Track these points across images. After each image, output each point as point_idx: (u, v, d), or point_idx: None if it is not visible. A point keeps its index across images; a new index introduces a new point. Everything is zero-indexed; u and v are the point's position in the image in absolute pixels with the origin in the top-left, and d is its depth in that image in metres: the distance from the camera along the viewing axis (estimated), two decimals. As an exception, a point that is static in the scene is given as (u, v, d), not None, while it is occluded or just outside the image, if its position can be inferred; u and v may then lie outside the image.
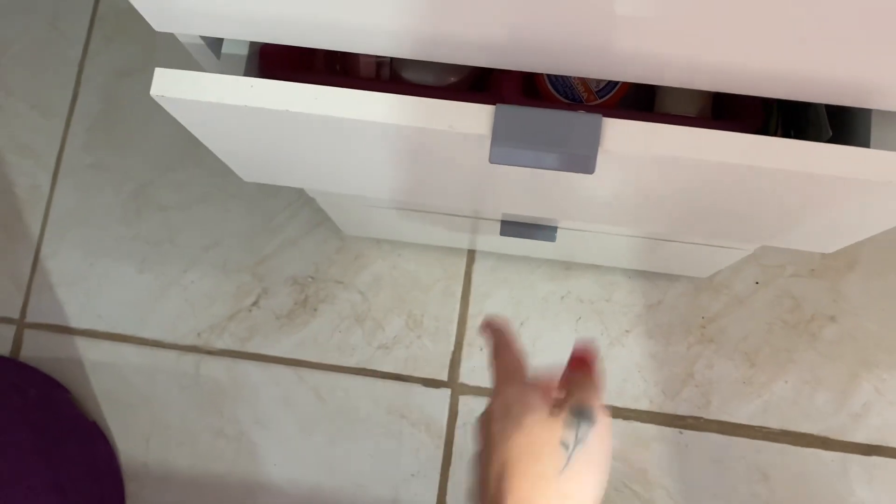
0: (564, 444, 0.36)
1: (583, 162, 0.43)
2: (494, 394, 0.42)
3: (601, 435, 0.37)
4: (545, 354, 0.99)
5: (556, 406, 0.39)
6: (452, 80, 0.56)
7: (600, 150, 0.42)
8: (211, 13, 0.42)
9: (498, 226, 0.81)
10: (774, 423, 0.95)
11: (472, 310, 1.02)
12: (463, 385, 0.99)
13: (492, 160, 0.43)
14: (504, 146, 0.43)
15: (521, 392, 0.40)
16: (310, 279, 1.04)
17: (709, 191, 0.46)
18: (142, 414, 1.03)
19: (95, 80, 1.12)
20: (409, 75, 0.57)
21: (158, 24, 0.45)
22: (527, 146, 0.43)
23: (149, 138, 1.10)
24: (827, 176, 0.40)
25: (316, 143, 0.49)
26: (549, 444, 0.36)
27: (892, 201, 0.44)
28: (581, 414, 0.37)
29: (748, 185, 0.44)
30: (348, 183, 0.59)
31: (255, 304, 1.04)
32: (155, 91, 0.44)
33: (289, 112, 0.44)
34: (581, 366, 0.43)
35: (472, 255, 1.03)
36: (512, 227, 0.79)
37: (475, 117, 0.43)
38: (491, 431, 0.39)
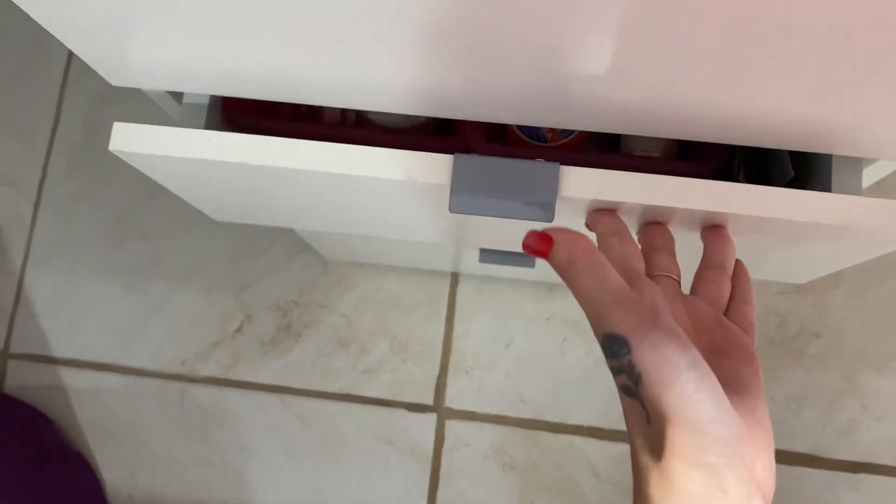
0: (627, 391, 0.30)
1: (543, 211, 0.42)
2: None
3: (650, 343, 0.28)
4: (532, 376, 0.99)
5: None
6: (419, 121, 0.56)
7: (559, 198, 0.41)
8: (164, 73, 0.42)
9: (477, 254, 0.81)
10: (761, 442, 0.95)
11: (456, 332, 1.02)
12: (449, 409, 0.99)
13: (452, 209, 0.43)
14: (464, 196, 0.42)
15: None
16: (293, 304, 1.03)
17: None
18: (127, 443, 1.02)
19: (76, 108, 1.12)
20: (374, 117, 0.56)
21: (115, 80, 0.44)
22: (486, 195, 0.42)
23: (130, 165, 1.09)
24: (784, 220, 0.40)
25: (277, 191, 0.49)
26: (621, 397, 0.30)
27: (854, 242, 0.43)
28: (608, 344, 0.30)
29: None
30: (315, 222, 0.58)
31: (238, 330, 1.03)
32: (113, 147, 0.44)
33: (247, 165, 0.44)
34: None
35: (455, 277, 1.03)
36: (491, 255, 0.79)
37: (434, 167, 0.43)
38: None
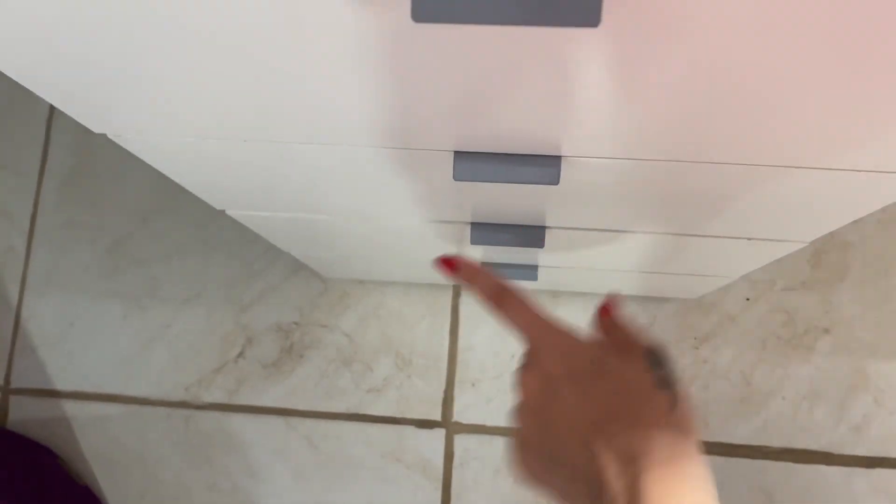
0: (661, 383, 0.33)
1: (548, 173, 0.41)
2: (538, 345, 0.37)
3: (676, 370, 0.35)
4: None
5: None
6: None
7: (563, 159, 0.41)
8: (148, 130, 0.41)
9: (477, 268, 0.79)
10: (775, 442, 0.94)
11: (461, 344, 1.01)
12: (457, 424, 0.98)
13: (456, 177, 0.42)
14: (468, 162, 0.41)
15: (573, 340, 0.35)
16: (294, 325, 1.02)
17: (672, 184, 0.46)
18: (134, 473, 1.01)
19: (65, 136, 1.11)
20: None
21: (99, 128, 0.43)
22: (490, 161, 0.41)
23: (123, 191, 1.08)
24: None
25: (283, 166, 0.48)
26: (643, 387, 0.33)
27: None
28: (657, 355, 0.34)
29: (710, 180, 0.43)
30: (322, 204, 0.57)
31: (240, 354, 1.02)
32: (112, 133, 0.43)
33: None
34: (611, 312, 0.40)
35: (457, 289, 1.02)
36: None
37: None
38: (553, 390, 0.34)
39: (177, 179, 0.53)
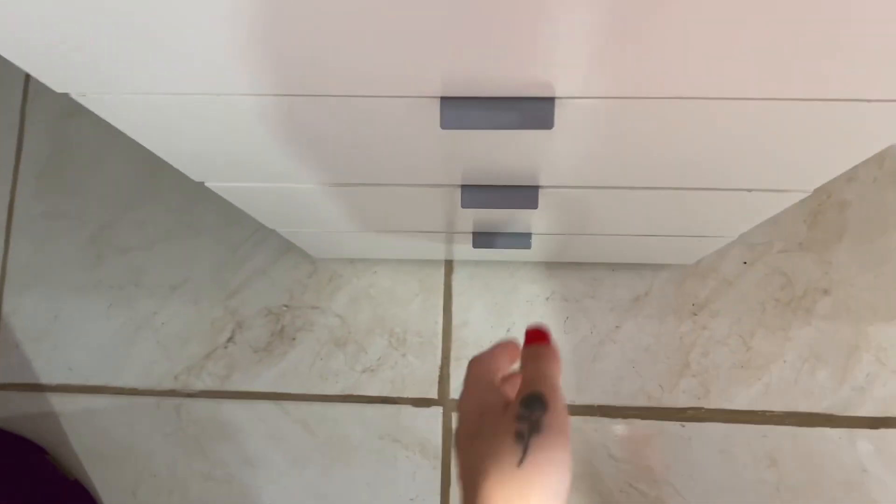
0: (519, 436, 0.35)
1: (540, 116, 0.39)
2: (459, 400, 0.41)
3: (557, 418, 0.36)
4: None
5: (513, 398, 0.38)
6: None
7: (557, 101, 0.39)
8: (110, 86, 0.38)
9: (470, 238, 0.77)
10: (777, 406, 0.93)
11: (455, 320, 0.98)
12: (454, 401, 0.96)
13: (444, 125, 0.39)
14: (456, 108, 0.39)
15: (479, 394, 0.40)
16: (284, 308, 1.00)
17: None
18: (126, 466, 0.99)
19: (39, 125, 1.08)
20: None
21: (61, 87, 0.40)
22: (480, 106, 0.39)
23: (102, 179, 1.05)
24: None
25: (259, 131, 0.46)
26: (505, 440, 0.35)
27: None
28: (532, 402, 0.36)
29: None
30: (304, 170, 0.55)
31: (230, 339, 1.00)
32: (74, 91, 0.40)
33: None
34: (535, 340, 0.42)
35: (449, 265, 1.00)
36: (484, 239, 0.76)
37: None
38: (458, 440, 0.39)
39: (150, 146, 0.51)
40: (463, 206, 0.59)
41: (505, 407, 0.37)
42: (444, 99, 0.39)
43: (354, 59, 0.35)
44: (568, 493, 0.35)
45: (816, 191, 0.69)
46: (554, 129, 0.40)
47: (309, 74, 0.38)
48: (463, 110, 0.39)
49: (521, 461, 0.34)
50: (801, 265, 0.96)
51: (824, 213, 0.97)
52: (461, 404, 0.40)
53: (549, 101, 0.39)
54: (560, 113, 0.40)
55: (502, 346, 0.44)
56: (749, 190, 0.57)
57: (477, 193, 0.58)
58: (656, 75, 0.37)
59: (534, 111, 0.39)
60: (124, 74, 0.38)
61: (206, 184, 0.60)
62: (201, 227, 1.03)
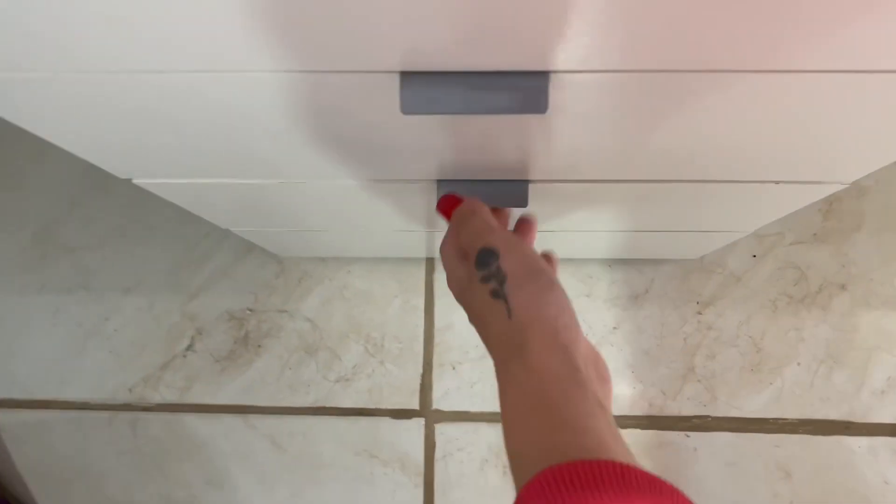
0: (495, 294, 0.35)
1: (532, 97, 0.30)
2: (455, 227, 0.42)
3: (514, 254, 0.36)
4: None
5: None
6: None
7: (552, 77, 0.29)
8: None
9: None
10: (791, 413, 0.85)
11: (438, 324, 0.90)
12: (437, 412, 0.87)
13: (405, 109, 0.30)
14: (419, 87, 0.30)
15: (454, 276, 0.40)
16: (248, 311, 0.90)
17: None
18: (77, 488, 0.89)
19: (-25, 111, 0.97)
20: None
21: None
22: (452, 84, 0.30)
23: (45, 173, 0.95)
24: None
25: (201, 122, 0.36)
26: (487, 306, 0.36)
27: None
28: (482, 259, 0.37)
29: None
30: (246, 165, 0.45)
31: (189, 347, 0.90)
32: None
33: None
34: (450, 207, 0.44)
35: (431, 262, 0.91)
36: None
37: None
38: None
39: (56, 141, 0.41)
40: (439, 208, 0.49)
41: (469, 277, 0.38)
42: (404, 75, 0.30)
43: (286, 22, 0.26)
44: (573, 315, 0.34)
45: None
46: (548, 112, 0.31)
47: (234, 45, 0.28)
48: (430, 89, 0.30)
49: (508, 313, 0.34)
50: (816, 258, 0.87)
51: (840, 201, 0.88)
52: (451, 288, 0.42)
53: (543, 77, 0.30)
54: (556, 92, 0.31)
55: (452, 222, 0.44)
56: (777, 182, 0.48)
57: (456, 190, 0.49)
58: (681, 41, 0.27)
59: (523, 90, 0.30)
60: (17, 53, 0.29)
61: (134, 181, 0.51)
62: (156, 224, 0.93)
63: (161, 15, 0.26)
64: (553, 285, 0.35)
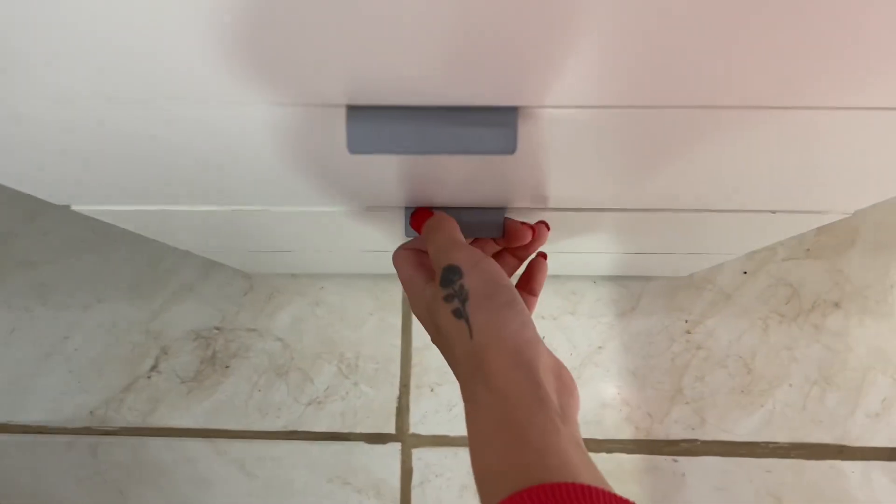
0: (457, 313, 0.35)
1: (501, 137, 0.26)
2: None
3: (477, 273, 0.35)
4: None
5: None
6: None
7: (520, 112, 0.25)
8: None
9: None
10: (782, 436, 0.81)
11: (416, 343, 0.85)
12: (414, 436, 0.83)
13: (352, 149, 0.26)
14: (368, 123, 0.26)
15: (416, 298, 0.40)
16: (216, 330, 0.86)
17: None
18: (34, 516, 0.85)
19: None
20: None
21: None
22: (405, 121, 0.26)
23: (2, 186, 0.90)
24: None
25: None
26: (450, 326, 0.35)
27: None
28: (446, 277, 0.36)
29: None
30: (190, 192, 0.41)
31: (154, 368, 0.86)
32: None
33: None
34: (421, 221, 0.43)
35: (407, 278, 0.86)
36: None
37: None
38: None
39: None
40: (407, 235, 0.45)
41: (434, 296, 0.37)
42: (351, 109, 0.26)
43: (225, 50, 0.22)
44: (533, 328, 0.34)
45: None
46: (517, 153, 0.26)
47: (175, 74, 0.24)
48: (381, 125, 0.26)
49: (470, 333, 0.34)
50: (810, 275, 0.84)
51: (834, 215, 0.85)
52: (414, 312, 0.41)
53: (511, 112, 0.26)
54: (528, 127, 0.27)
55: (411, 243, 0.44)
56: (773, 211, 0.45)
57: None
58: (678, 76, 0.23)
59: (489, 127, 0.26)
60: None
61: (73, 207, 0.46)
62: (118, 237, 0.88)
63: (99, 45, 0.22)
64: (514, 301, 0.34)
